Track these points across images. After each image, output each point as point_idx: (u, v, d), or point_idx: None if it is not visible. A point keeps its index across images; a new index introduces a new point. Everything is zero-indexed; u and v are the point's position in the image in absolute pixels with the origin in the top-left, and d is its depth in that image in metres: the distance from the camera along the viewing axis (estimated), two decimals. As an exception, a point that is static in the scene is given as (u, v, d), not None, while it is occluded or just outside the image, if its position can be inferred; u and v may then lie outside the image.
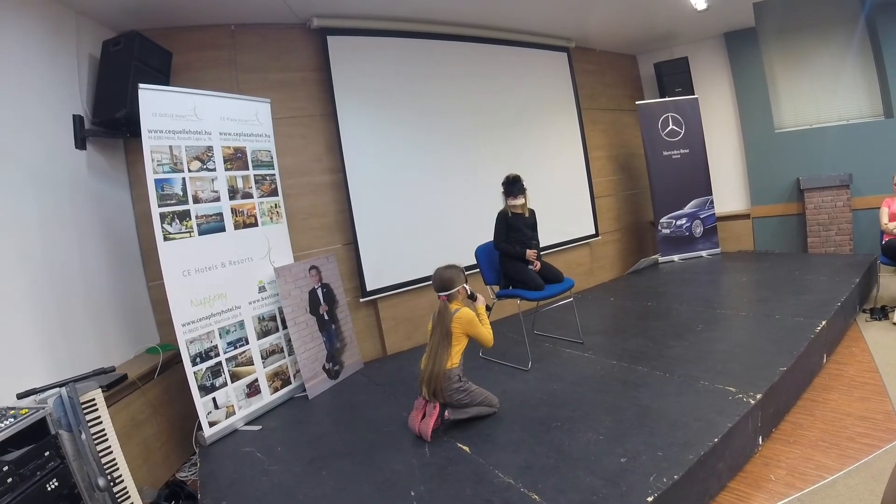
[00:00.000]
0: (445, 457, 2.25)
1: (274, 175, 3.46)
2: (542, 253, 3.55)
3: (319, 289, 3.53)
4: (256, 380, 3.08)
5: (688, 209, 5.82)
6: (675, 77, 5.86)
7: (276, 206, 3.44)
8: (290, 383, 3.30)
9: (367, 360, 3.97)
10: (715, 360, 2.83)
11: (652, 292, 4.78)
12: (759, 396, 2.29)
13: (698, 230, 5.84)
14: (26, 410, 1.72)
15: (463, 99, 4.61)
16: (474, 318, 2.53)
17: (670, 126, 5.78)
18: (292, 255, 3.54)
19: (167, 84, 3.16)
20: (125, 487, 2.05)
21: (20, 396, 1.81)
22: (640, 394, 2.57)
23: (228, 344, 2.96)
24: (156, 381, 2.79)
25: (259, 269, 3.24)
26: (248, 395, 3.01)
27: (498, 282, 3.54)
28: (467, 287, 2.64)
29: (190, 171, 2.90)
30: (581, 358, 3.27)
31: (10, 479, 1.53)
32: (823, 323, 3.08)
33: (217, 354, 2.89)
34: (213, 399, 2.81)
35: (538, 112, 5.19)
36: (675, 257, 5.83)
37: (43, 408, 1.77)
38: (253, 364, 3.08)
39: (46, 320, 2.37)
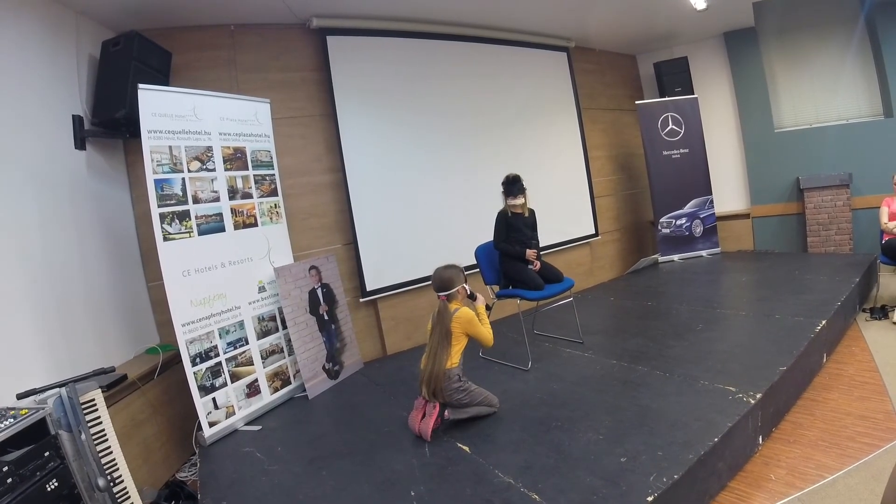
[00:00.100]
0: (445, 457, 2.25)
1: (274, 175, 3.46)
2: (541, 253, 3.55)
3: (319, 289, 3.53)
4: (256, 380, 3.08)
5: (687, 209, 5.82)
6: (674, 77, 5.87)
7: (275, 207, 3.44)
8: (290, 383, 3.30)
9: (367, 360, 3.97)
10: (715, 360, 2.83)
11: (652, 292, 4.78)
12: (759, 396, 2.29)
13: (698, 230, 5.84)
14: (26, 411, 1.72)
15: (463, 99, 4.61)
16: (474, 318, 2.53)
17: (670, 126, 5.78)
18: (292, 255, 3.54)
19: (167, 84, 3.16)
20: (125, 487, 2.05)
21: (20, 397, 1.81)
22: (640, 393, 2.57)
23: (228, 344, 2.96)
24: (156, 382, 2.79)
25: (259, 269, 3.24)
26: (248, 396, 3.01)
27: (498, 281, 3.54)
28: (467, 287, 2.64)
29: (189, 171, 2.90)
30: (581, 358, 3.27)
31: (9, 480, 1.53)
32: (823, 322, 3.08)
33: (217, 354, 2.89)
34: (213, 399, 2.81)
35: (538, 112, 5.20)
36: (675, 257, 5.83)
37: (43, 408, 1.77)
38: (253, 364, 3.08)
39: (46, 320, 2.37)
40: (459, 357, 2.50)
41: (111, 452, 2.05)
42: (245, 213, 3.21)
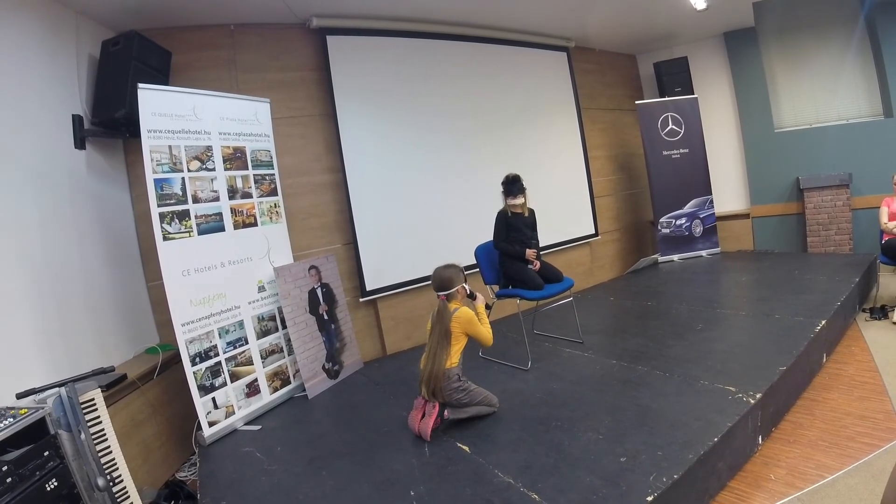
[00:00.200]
0: (445, 456, 2.25)
1: (273, 175, 3.46)
2: (541, 252, 3.55)
3: (319, 288, 3.53)
4: (256, 380, 3.08)
5: (687, 209, 5.82)
6: (674, 77, 5.87)
7: (275, 206, 3.44)
8: (290, 383, 3.29)
9: (367, 359, 3.97)
10: (715, 360, 2.83)
11: (651, 292, 4.78)
12: (758, 396, 2.29)
13: (698, 230, 5.84)
14: (25, 410, 1.72)
15: (463, 99, 4.61)
16: (473, 318, 2.53)
17: (670, 126, 5.78)
18: (292, 254, 3.53)
19: (166, 84, 3.15)
20: (124, 487, 2.05)
21: (19, 396, 1.81)
22: (640, 393, 2.57)
23: (228, 344, 2.96)
24: (155, 381, 2.79)
25: (258, 268, 3.24)
26: (248, 395, 3.01)
27: (497, 281, 3.54)
28: (466, 286, 2.64)
29: (189, 170, 2.90)
30: (581, 357, 3.27)
31: (9, 479, 1.53)
32: (823, 322, 3.08)
33: (216, 354, 2.89)
34: (213, 399, 2.81)
35: (538, 112, 5.20)
36: (675, 257, 5.83)
37: (42, 408, 1.77)
38: (252, 364, 3.08)
39: (46, 320, 2.37)
40: (459, 357, 2.50)
41: (111, 452, 2.05)
42: (245, 212, 3.21)
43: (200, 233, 2.92)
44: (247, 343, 3.07)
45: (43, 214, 2.48)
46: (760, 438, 2.30)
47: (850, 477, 1.97)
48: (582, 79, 5.70)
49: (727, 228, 6.04)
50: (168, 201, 2.78)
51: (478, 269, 3.57)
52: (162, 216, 2.73)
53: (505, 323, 4.12)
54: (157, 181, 2.74)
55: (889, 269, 4.39)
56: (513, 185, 3.40)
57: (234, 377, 2.95)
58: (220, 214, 3.04)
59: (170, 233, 2.76)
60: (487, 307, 2.72)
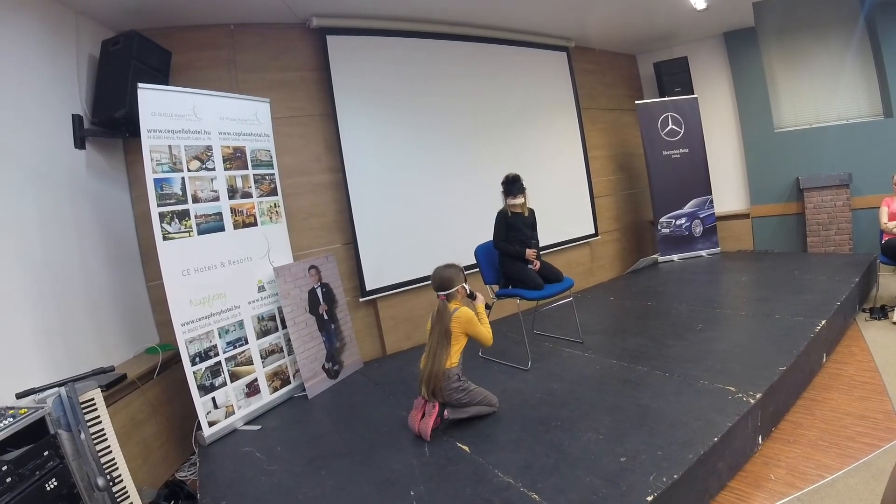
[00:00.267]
0: (445, 456, 2.25)
1: (273, 175, 3.46)
2: (541, 252, 3.55)
3: (319, 288, 3.53)
4: (256, 379, 3.08)
5: (687, 209, 5.82)
6: (674, 77, 5.87)
7: (275, 206, 3.44)
8: (290, 383, 3.29)
9: (367, 359, 3.97)
10: (715, 360, 2.83)
11: (651, 292, 4.78)
12: (758, 396, 2.29)
13: (698, 230, 5.84)
14: (25, 410, 1.72)
15: (463, 99, 4.61)
16: (473, 318, 2.53)
17: (670, 126, 5.78)
18: (292, 254, 3.53)
19: (166, 84, 3.15)
20: (124, 487, 2.04)
21: (19, 396, 1.81)
22: (640, 393, 2.57)
23: (228, 343, 2.96)
24: (155, 381, 2.79)
25: (258, 268, 3.24)
26: (248, 395, 3.01)
27: (497, 281, 3.54)
28: (466, 286, 2.63)
29: (189, 170, 2.90)
30: (581, 357, 3.27)
31: (9, 479, 1.53)
32: (823, 322, 3.08)
33: (216, 354, 2.89)
34: (213, 399, 2.81)
35: (538, 112, 5.19)
36: (675, 257, 5.83)
37: (42, 407, 1.76)
38: (252, 364, 3.08)
39: (46, 320, 2.37)
40: (459, 357, 2.50)
41: (110, 452, 2.05)
42: (245, 212, 3.20)
43: (200, 232, 2.92)
44: (247, 343, 3.07)
45: (43, 214, 2.48)
46: (760, 438, 2.30)
47: (850, 477, 1.97)
48: (582, 79, 5.70)
49: (727, 228, 6.04)
50: (168, 201, 2.78)
51: (478, 269, 3.57)
52: (162, 216, 2.73)
53: (505, 323, 4.12)
54: (156, 181, 2.74)
55: (889, 269, 4.39)
56: (513, 185, 3.39)
57: (234, 377, 2.95)
58: (219, 214, 3.04)
59: (170, 232, 2.76)
60: (487, 307, 2.72)
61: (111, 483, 1.94)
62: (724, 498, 2.00)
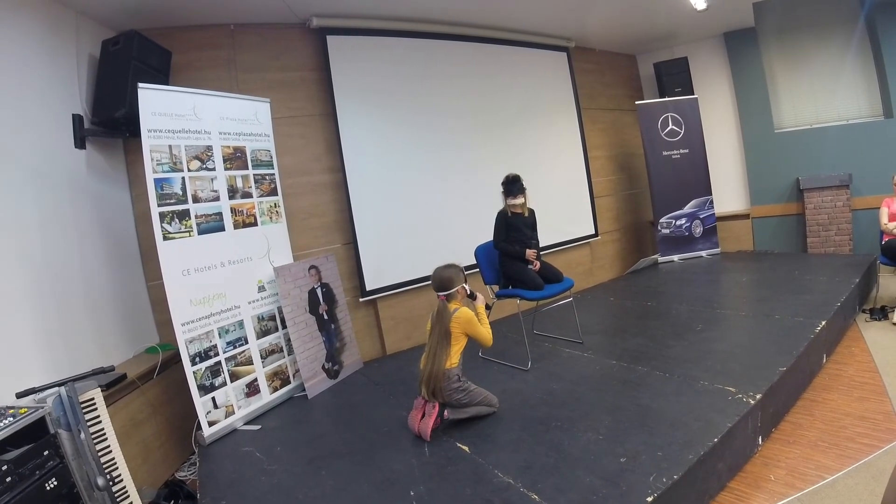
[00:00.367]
0: (445, 456, 2.25)
1: (273, 175, 3.46)
2: (541, 253, 3.55)
3: (319, 288, 3.53)
4: (256, 379, 3.08)
5: (687, 209, 5.82)
6: (674, 77, 5.87)
7: (275, 206, 3.44)
8: (290, 383, 3.29)
9: (367, 359, 3.97)
10: (715, 360, 2.83)
11: (651, 292, 4.78)
12: (758, 396, 2.29)
13: (698, 230, 5.84)
14: (25, 410, 1.72)
15: (463, 99, 4.61)
16: (473, 318, 2.53)
17: (670, 126, 5.78)
18: (292, 254, 3.53)
19: (167, 83, 3.15)
20: (124, 487, 2.04)
21: (19, 396, 1.81)
22: (640, 393, 2.57)
23: (228, 343, 2.96)
24: (155, 381, 2.79)
25: (258, 268, 3.24)
26: (248, 395, 3.01)
27: (497, 281, 3.54)
28: (467, 286, 2.63)
29: (189, 170, 2.90)
30: (581, 358, 3.27)
31: (9, 479, 1.53)
32: (823, 323, 3.08)
33: (216, 354, 2.89)
34: (213, 399, 2.81)
35: (538, 112, 5.19)
36: (675, 257, 5.83)
37: (42, 407, 1.77)
38: (252, 364, 3.08)
39: (46, 320, 2.37)
40: (459, 357, 2.50)
41: (110, 451, 2.05)
42: (245, 212, 3.21)
43: (200, 232, 2.92)
44: (247, 343, 3.07)
45: (43, 214, 2.48)
46: (760, 439, 2.30)
47: (849, 478, 1.97)
48: (582, 79, 5.70)
49: (727, 229, 6.04)
50: (168, 201, 2.78)
51: (478, 270, 3.57)
52: (162, 216, 2.73)
53: (505, 323, 4.12)
54: (157, 181, 2.74)
55: (889, 270, 4.39)
56: (513, 185, 3.39)
57: (234, 377, 2.95)
58: (220, 214, 3.04)
59: (170, 232, 2.76)
60: (487, 307, 2.72)
61: (111, 483, 1.94)
62: (723, 498, 2.00)
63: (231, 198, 3.12)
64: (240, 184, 3.20)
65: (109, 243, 2.99)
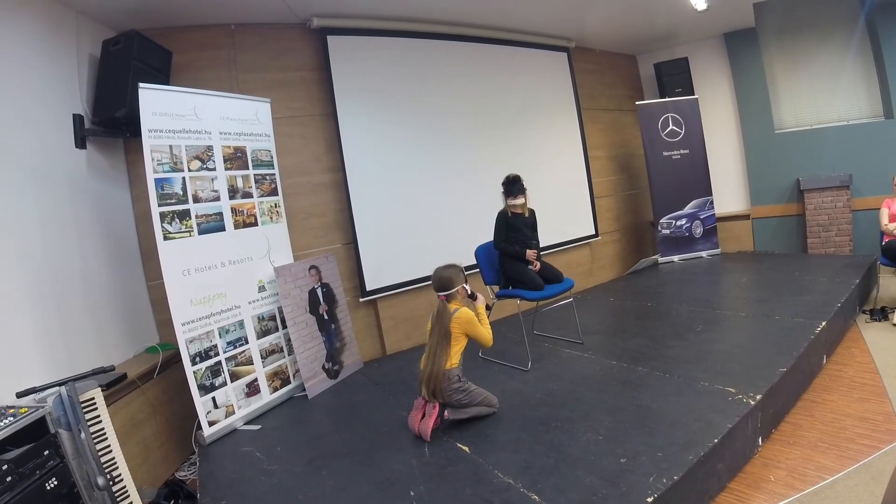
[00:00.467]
0: (445, 457, 2.25)
1: (274, 175, 3.46)
2: (541, 253, 3.55)
3: (319, 288, 3.53)
4: (256, 379, 3.08)
5: (688, 209, 5.82)
6: (674, 77, 5.86)
7: (275, 206, 3.44)
8: (290, 383, 3.29)
9: (367, 359, 3.97)
10: (715, 361, 2.83)
11: (651, 292, 4.78)
12: (758, 397, 2.29)
13: (698, 231, 5.84)
14: (26, 409, 1.72)
15: (463, 99, 4.61)
16: (473, 318, 2.53)
17: (670, 126, 5.78)
18: (292, 254, 3.54)
19: (167, 83, 3.16)
20: (124, 486, 2.05)
21: (20, 395, 1.81)
22: (640, 394, 2.57)
23: (228, 343, 2.96)
24: (155, 381, 2.79)
25: (259, 268, 3.24)
26: (248, 395, 3.01)
27: (498, 282, 3.54)
28: (467, 287, 2.63)
29: (190, 170, 2.90)
30: (581, 358, 3.27)
31: (9, 478, 1.53)
32: (823, 324, 3.08)
33: (216, 354, 2.89)
34: (213, 398, 2.81)
35: (538, 112, 5.19)
36: (675, 258, 5.83)
37: (42, 407, 1.77)
38: (252, 363, 3.08)
39: (46, 319, 2.37)
40: (459, 357, 2.50)
41: (110, 451, 2.05)
42: (245, 212, 3.21)
43: (201, 232, 2.92)
44: (247, 343, 3.07)
45: (43, 214, 2.48)
46: (760, 440, 2.30)
47: (849, 479, 1.97)
48: (582, 79, 5.70)
49: (727, 229, 6.04)
50: (168, 201, 2.78)
51: (478, 270, 3.57)
52: (162, 216, 2.73)
53: (505, 323, 4.12)
54: (157, 181, 2.74)
55: (889, 271, 4.39)
56: (513, 186, 3.40)
57: (234, 377, 2.95)
58: (220, 214, 3.04)
59: (170, 232, 2.76)
60: (488, 308, 2.72)
61: (111, 482, 1.94)
62: (723, 499, 2.00)
63: (231, 198, 3.13)
64: (240, 184, 3.20)
65: (110, 243, 2.99)
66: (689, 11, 4.87)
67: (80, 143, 2.82)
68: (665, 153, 5.79)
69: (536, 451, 2.16)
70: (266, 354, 3.18)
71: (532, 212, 3.54)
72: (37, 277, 2.36)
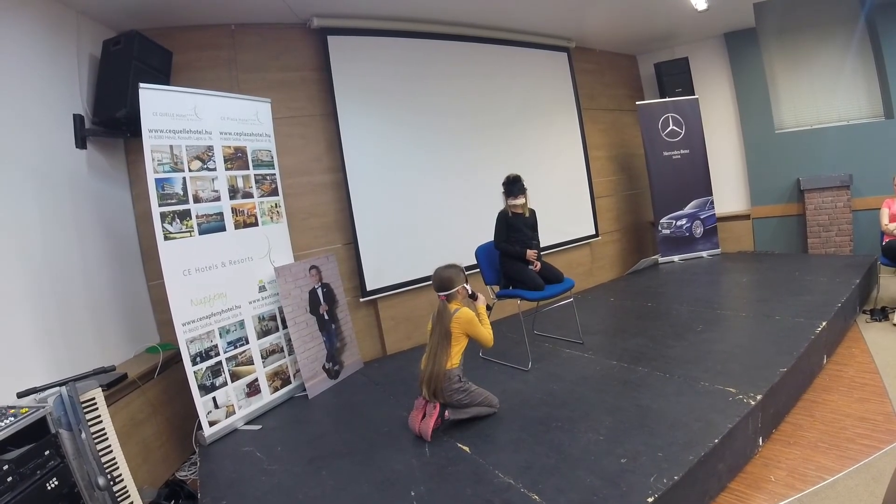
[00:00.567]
0: (445, 457, 2.25)
1: (274, 175, 3.46)
2: (542, 253, 3.55)
3: (319, 288, 3.53)
4: (256, 379, 3.08)
5: (688, 209, 5.82)
6: (675, 77, 5.86)
7: (276, 206, 3.44)
8: (290, 383, 3.30)
9: (367, 359, 3.97)
10: (715, 361, 2.83)
11: (652, 293, 4.78)
12: (759, 397, 2.29)
13: (698, 231, 5.84)
14: (26, 409, 1.72)
15: (463, 99, 4.61)
16: (473, 318, 2.53)
17: (670, 126, 5.78)
18: (292, 254, 3.54)
19: (167, 83, 3.16)
20: (125, 486, 2.05)
21: (20, 395, 1.81)
22: (640, 394, 2.57)
23: (228, 343, 2.96)
24: (156, 381, 2.79)
25: (259, 268, 3.24)
26: (248, 395, 3.01)
27: (498, 282, 3.54)
28: (468, 287, 2.63)
29: (190, 170, 2.90)
30: (581, 358, 3.27)
31: (10, 478, 1.53)
32: (824, 324, 3.08)
33: (217, 354, 2.89)
34: (213, 398, 2.81)
35: (538, 112, 5.19)
36: (675, 258, 5.83)
37: (43, 407, 1.77)
38: (253, 363, 3.08)
39: (46, 320, 2.37)
40: (460, 357, 2.50)
41: (111, 451, 2.05)
42: (245, 212, 3.21)
43: (201, 232, 2.92)
44: (247, 343, 3.07)
45: (43, 214, 2.48)
46: (761, 440, 2.30)
47: (850, 479, 1.97)
48: (582, 79, 5.70)
49: (727, 229, 6.04)
50: (169, 201, 2.78)
51: (478, 270, 3.57)
52: (163, 216, 2.73)
53: (505, 323, 4.12)
54: (158, 181, 2.74)
55: (889, 271, 4.39)
56: (513, 186, 3.40)
57: (235, 377, 2.95)
58: (220, 214, 3.05)
59: (171, 232, 2.76)
60: (488, 308, 2.71)
61: (112, 482, 1.94)
62: (724, 499, 2.00)
63: (232, 198, 3.13)
64: (240, 184, 3.20)
65: (110, 243, 2.99)
66: (690, 11, 4.87)
67: (81, 143, 2.82)
68: (665, 153, 5.79)
69: (537, 451, 2.16)
70: (266, 354, 3.18)
71: (532, 212, 3.54)
72: (37, 277, 2.36)
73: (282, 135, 3.66)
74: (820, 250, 5.39)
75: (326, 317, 3.54)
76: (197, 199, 2.91)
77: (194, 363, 2.76)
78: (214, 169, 3.04)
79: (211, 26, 3.59)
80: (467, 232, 4.09)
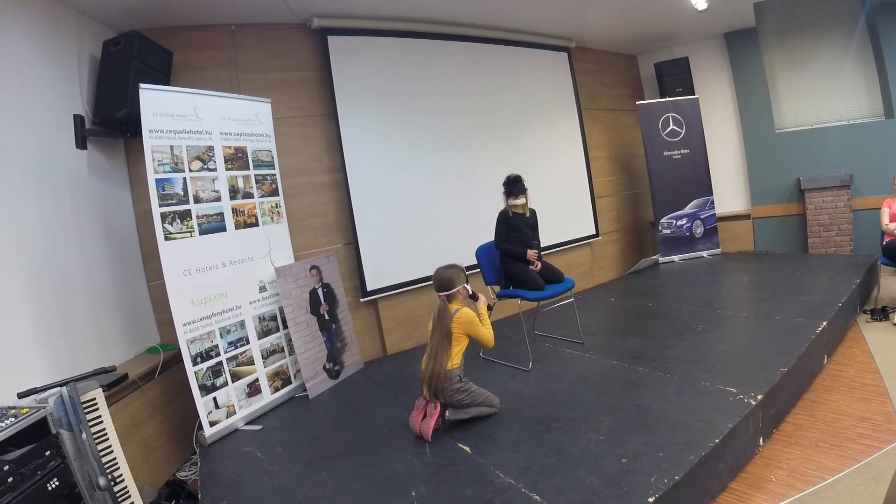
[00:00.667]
0: (446, 457, 2.25)
1: (274, 175, 3.46)
2: (542, 253, 3.55)
3: (320, 288, 3.53)
4: (257, 379, 3.08)
5: (688, 209, 5.81)
6: (675, 77, 5.86)
7: (276, 206, 3.44)
8: (291, 383, 3.30)
9: (368, 359, 3.97)
10: (715, 361, 2.83)
11: (652, 292, 4.78)
12: (759, 397, 2.29)
13: (699, 230, 5.84)
14: (27, 410, 1.72)
15: (463, 99, 4.61)
16: (474, 319, 2.53)
17: (671, 126, 5.78)
18: (293, 254, 3.54)
19: (168, 84, 3.16)
20: (125, 487, 2.05)
21: (21, 396, 1.81)
22: (641, 394, 2.57)
23: (229, 343, 2.96)
24: (156, 381, 2.79)
25: (260, 268, 3.24)
26: (249, 395, 3.01)
27: (498, 282, 3.54)
28: (468, 287, 2.63)
29: (191, 170, 2.90)
30: (581, 358, 3.27)
31: (10, 479, 1.53)
32: (824, 324, 3.08)
33: (218, 354, 2.89)
34: (214, 399, 2.81)
35: (538, 112, 5.19)
36: (676, 258, 5.83)
37: (44, 407, 1.77)
38: (253, 364, 3.08)
39: (47, 320, 2.37)
40: (460, 358, 2.50)
41: (112, 451, 2.05)
42: (246, 212, 3.21)
43: (202, 233, 2.92)
44: (248, 343, 3.07)
45: (44, 214, 2.48)
46: (761, 440, 2.30)
47: (850, 478, 1.97)
48: (582, 79, 5.70)
49: (728, 229, 6.04)
50: (169, 201, 2.78)
51: (479, 270, 3.57)
52: (163, 216, 2.73)
53: (505, 323, 4.12)
54: (158, 181, 2.74)
55: (890, 271, 4.39)
56: (514, 186, 3.40)
57: (235, 377, 2.95)
58: (221, 214, 3.05)
59: (171, 233, 2.76)
60: (489, 308, 2.71)
61: (112, 483, 1.94)
62: (724, 499, 2.00)
63: (232, 198, 3.13)
64: (241, 184, 3.20)
65: (110, 243, 2.99)
66: (690, 11, 4.87)
67: (81, 143, 2.82)
68: (665, 153, 5.79)
69: (537, 452, 2.16)
70: (267, 355, 3.18)
71: (533, 212, 3.54)
72: (37, 277, 2.36)
73: (282, 135, 3.66)
74: (820, 250, 5.39)
75: (327, 317, 3.54)
76: (197, 200, 2.91)
77: (195, 363, 2.76)
78: (215, 169, 3.04)
79: (211, 26, 3.59)
80: (467, 232, 4.09)
